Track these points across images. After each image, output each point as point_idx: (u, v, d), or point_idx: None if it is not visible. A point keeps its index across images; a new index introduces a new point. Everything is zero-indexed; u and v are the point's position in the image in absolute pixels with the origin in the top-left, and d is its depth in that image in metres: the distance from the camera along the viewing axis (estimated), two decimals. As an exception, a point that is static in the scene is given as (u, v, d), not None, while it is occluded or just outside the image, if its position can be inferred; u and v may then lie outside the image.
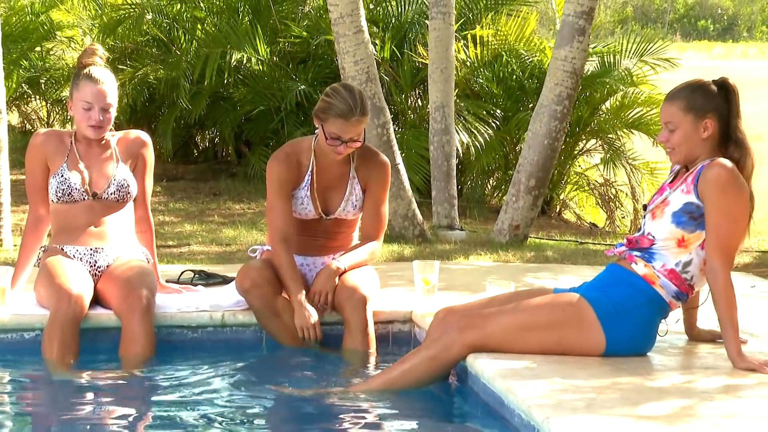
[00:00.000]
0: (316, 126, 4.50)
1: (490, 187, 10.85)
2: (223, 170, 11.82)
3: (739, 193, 3.70)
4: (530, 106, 9.70)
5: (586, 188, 10.79)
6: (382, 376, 3.83)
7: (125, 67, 11.13)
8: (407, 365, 3.80)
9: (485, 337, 3.76)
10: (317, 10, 11.05)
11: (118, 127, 4.84)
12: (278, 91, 10.49)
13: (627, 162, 10.24)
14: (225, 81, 10.78)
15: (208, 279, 5.11)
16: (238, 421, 3.73)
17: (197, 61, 10.54)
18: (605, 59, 10.30)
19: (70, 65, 11.97)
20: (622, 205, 10.61)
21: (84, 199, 4.55)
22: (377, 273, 4.70)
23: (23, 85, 12.56)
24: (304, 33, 10.63)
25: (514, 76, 10.16)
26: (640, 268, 3.80)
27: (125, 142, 4.67)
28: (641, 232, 3.86)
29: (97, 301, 4.51)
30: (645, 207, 3.93)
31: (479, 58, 10.11)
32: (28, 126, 14.15)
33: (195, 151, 12.79)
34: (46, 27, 12.09)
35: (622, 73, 10.11)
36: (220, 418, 3.71)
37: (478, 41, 10.09)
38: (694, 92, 3.78)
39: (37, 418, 3.81)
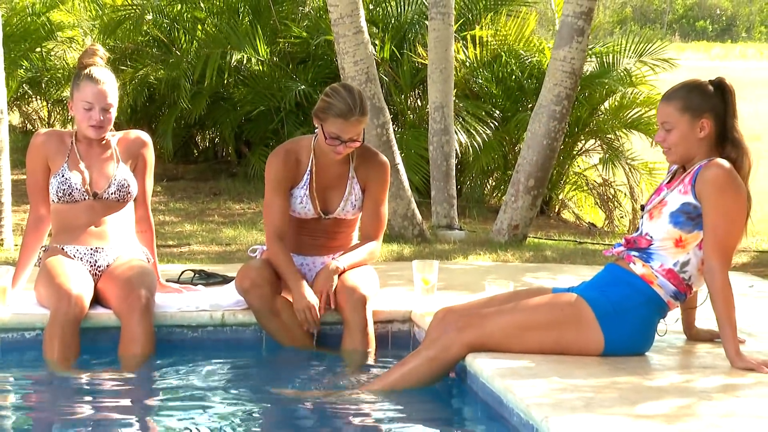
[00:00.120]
0: (316, 126, 4.51)
1: (489, 187, 10.86)
2: (223, 170, 11.83)
3: (737, 193, 3.70)
4: (529, 106, 9.72)
5: (585, 188, 10.80)
6: (383, 378, 3.84)
7: (126, 68, 11.14)
8: (407, 367, 3.80)
9: (484, 337, 3.77)
10: (317, 10, 11.06)
11: (118, 127, 4.84)
12: (278, 91, 10.50)
13: (626, 162, 10.26)
14: (225, 81, 10.79)
15: (208, 279, 5.12)
16: (238, 421, 3.73)
17: (197, 62, 10.55)
18: (604, 59, 10.32)
19: (71, 65, 11.98)
20: (620, 205, 10.63)
21: (84, 199, 4.56)
22: (377, 273, 4.70)
23: (24, 85, 12.57)
24: (304, 33, 10.64)
25: (514, 77, 10.17)
26: (638, 267, 3.81)
27: (125, 142, 4.68)
28: (639, 232, 3.87)
29: (97, 300, 4.52)
30: (643, 207, 3.94)
31: (478, 58, 10.13)
32: (29, 126, 14.15)
33: (195, 151, 12.80)
34: (46, 27, 12.10)
35: (621, 74, 10.12)
36: (219, 418, 3.71)
37: (477, 42, 10.10)
38: (691, 92, 3.79)
39: (38, 417, 3.81)
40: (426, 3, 9.49)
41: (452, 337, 3.78)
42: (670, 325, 3.92)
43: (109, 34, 11.34)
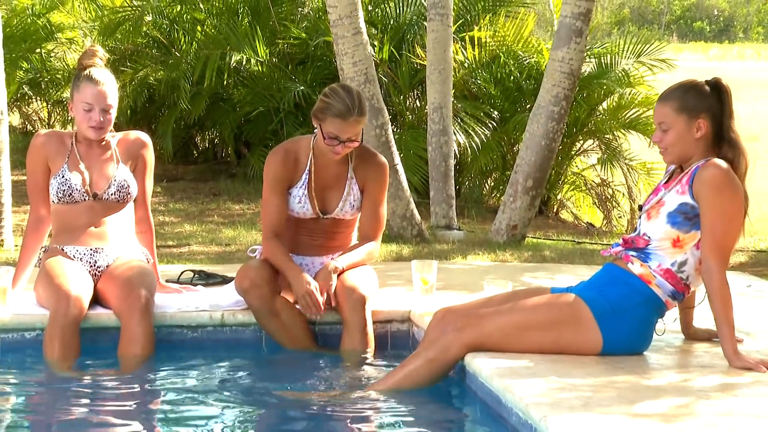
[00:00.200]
0: (315, 126, 4.52)
1: (487, 188, 10.87)
2: (223, 171, 11.84)
3: (734, 193, 3.71)
4: (528, 106, 9.73)
5: (583, 188, 10.81)
6: (385, 381, 3.85)
7: (125, 69, 11.15)
8: (407, 369, 3.81)
9: (482, 337, 3.78)
10: (316, 11, 11.07)
11: (118, 128, 4.85)
12: (277, 92, 10.51)
13: (624, 162, 10.27)
14: (224, 82, 10.80)
15: (208, 279, 5.12)
16: (238, 421, 3.74)
17: (197, 63, 10.56)
18: (602, 60, 10.33)
19: (71, 67, 11.99)
20: (618, 205, 10.64)
21: (84, 199, 4.56)
22: (376, 273, 4.71)
23: (24, 86, 12.57)
24: (303, 34, 10.65)
25: (512, 77, 10.18)
26: (636, 267, 3.82)
27: (125, 143, 4.69)
28: (637, 232, 3.88)
29: (97, 301, 4.53)
30: (641, 207, 3.94)
31: (477, 59, 10.14)
32: (29, 127, 14.15)
33: (195, 151, 12.80)
34: (46, 29, 12.11)
35: (619, 74, 10.14)
36: (219, 417, 3.72)
37: (475, 42, 10.11)
38: (687, 92, 3.80)
39: (37, 418, 3.82)
40: (425, 4, 9.50)
41: (451, 338, 3.79)
42: (669, 324, 3.93)
43: (108, 35, 11.35)
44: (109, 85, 4.55)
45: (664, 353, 3.91)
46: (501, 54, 10.16)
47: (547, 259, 6.67)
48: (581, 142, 10.61)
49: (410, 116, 10.39)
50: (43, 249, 4.66)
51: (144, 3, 11.17)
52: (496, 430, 3.51)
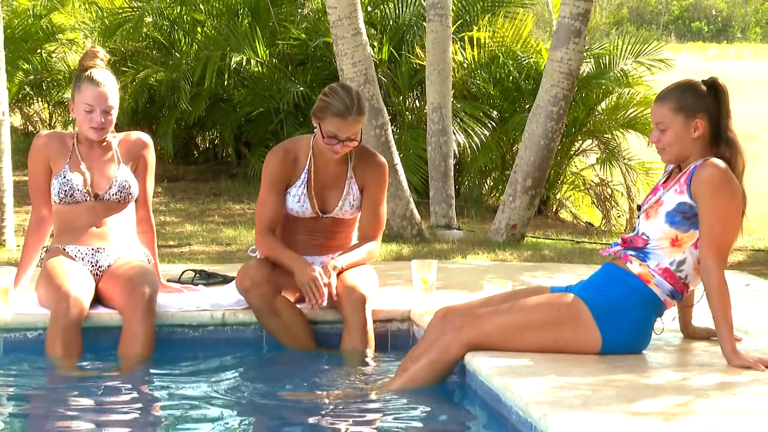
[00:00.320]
0: (314, 125, 4.54)
1: (487, 187, 10.88)
2: (223, 171, 11.85)
3: (732, 192, 3.72)
4: (527, 107, 9.74)
5: (582, 188, 10.83)
6: (388, 385, 3.86)
7: (126, 69, 11.16)
8: (410, 373, 3.82)
9: (481, 336, 3.79)
10: (316, 12, 11.08)
11: (119, 128, 4.86)
12: (277, 92, 10.52)
13: (622, 162, 10.29)
14: (225, 83, 10.80)
15: (209, 278, 5.13)
16: (238, 420, 3.76)
17: (197, 63, 10.57)
18: (601, 60, 10.34)
19: (72, 68, 12.00)
20: (617, 205, 10.65)
21: (86, 200, 4.58)
22: (376, 272, 4.72)
23: (25, 87, 12.58)
24: (303, 35, 10.66)
25: (511, 78, 10.20)
26: (635, 267, 3.83)
27: (126, 144, 4.70)
28: (636, 231, 3.89)
29: (98, 300, 4.54)
30: (639, 207, 3.95)
31: (476, 59, 10.15)
32: (30, 128, 14.15)
33: (195, 152, 12.81)
34: (47, 30, 12.11)
35: (618, 74, 10.15)
36: (220, 416, 3.74)
37: (475, 43, 10.12)
38: (684, 92, 3.80)
39: (39, 416, 3.83)
40: (424, 5, 9.51)
41: (450, 338, 3.80)
42: (667, 323, 3.93)
43: (109, 37, 11.36)
44: (110, 87, 4.56)
45: (663, 352, 3.92)
46: (500, 54, 10.17)
47: (546, 259, 6.68)
48: (580, 141, 10.63)
49: (410, 116, 10.40)
50: (44, 249, 4.67)
51: (144, 4, 11.18)
52: (496, 429, 3.53)
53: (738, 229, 3.78)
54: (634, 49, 10.39)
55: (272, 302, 4.49)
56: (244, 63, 10.47)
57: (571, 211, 10.95)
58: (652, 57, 10.41)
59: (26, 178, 4.88)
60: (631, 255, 3.85)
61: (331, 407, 3.79)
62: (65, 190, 4.56)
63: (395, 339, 4.60)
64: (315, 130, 4.55)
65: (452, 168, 8.19)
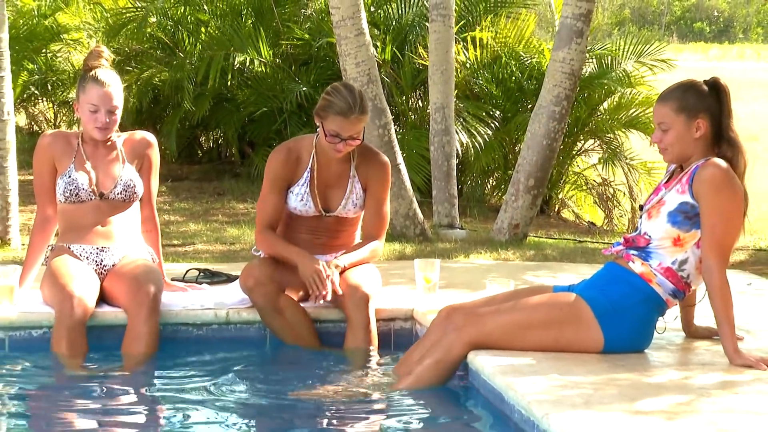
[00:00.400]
0: (317, 124, 4.56)
1: (489, 187, 10.89)
2: (227, 170, 11.86)
3: (734, 192, 3.74)
4: (529, 107, 9.75)
5: (585, 188, 10.83)
6: (395, 387, 3.87)
7: (131, 69, 11.18)
8: (416, 374, 3.83)
9: (483, 335, 3.81)
10: (319, 12, 11.09)
11: (123, 128, 4.87)
12: (281, 92, 10.53)
13: (624, 162, 10.30)
14: (228, 83, 10.81)
15: (213, 277, 5.14)
16: (242, 418, 3.77)
17: (201, 63, 10.57)
18: (603, 60, 10.35)
19: (76, 67, 12.02)
20: (619, 204, 10.66)
21: (91, 199, 4.59)
22: (379, 271, 4.73)
23: (30, 87, 12.60)
24: (307, 35, 10.67)
25: (513, 78, 10.21)
26: (637, 266, 3.84)
27: (131, 143, 4.71)
28: (638, 231, 3.89)
29: (103, 299, 4.55)
30: (641, 207, 3.97)
31: (479, 59, 10.16)
32: (35, 127, 14.17)
33: (199, 151, 12.82)
34: (52, 30, 12.12)
35: (620, 74, 10.16)
36: (223, 415, 3.75)
37: (477, 43, 10.14)
38: (686, 93, 3.82)
39: (44, 414, 3.85)
40: (426, 5, 9.52)
41: (453, 338, 3.81)
42: (669, 322, 3.94)
43: (113, 37, 11.37)
44: (114, 87, 4.57)
45: (665, 351, 3.93)
46: (503, 54, 10.18)
47: (548, 258, 6.69)
48: (582, 141, 10.64)
49: (413, 116, 10.42)
50: (49, 248, 4.69)
51: (148, 4, 11.18)
52: (499, 428, 3.54)
53: (739, 228, 3.78)
54: (636, 49, 10.40)
55: (276, 301, 4.51)
56: (247, 63, 10.49)
57: (573, 211, 10.96)
58: (654, 57, 10.42)
59: (31, 177, 4.90)
60: (633, 254, 3.86)
61: (335, 406, 3.80)
62: (70, 190, 4.57)
63: (398, 338, 4.61)
64: (318, 129, 4.57)
65: (455, 168, 8.20)
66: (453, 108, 8.20)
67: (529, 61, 10.22)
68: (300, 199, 4.62)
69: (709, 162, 3.77)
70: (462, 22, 10.28)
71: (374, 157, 4.70)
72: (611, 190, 10.67)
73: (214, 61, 10.36)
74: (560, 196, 10.89)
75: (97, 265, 4.58)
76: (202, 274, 5.17)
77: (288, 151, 4.64)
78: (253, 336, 4.60)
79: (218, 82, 10.44)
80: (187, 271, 5.18)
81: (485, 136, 9.85)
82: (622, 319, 3.80)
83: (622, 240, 3.94)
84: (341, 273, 4.53)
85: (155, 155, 4.75)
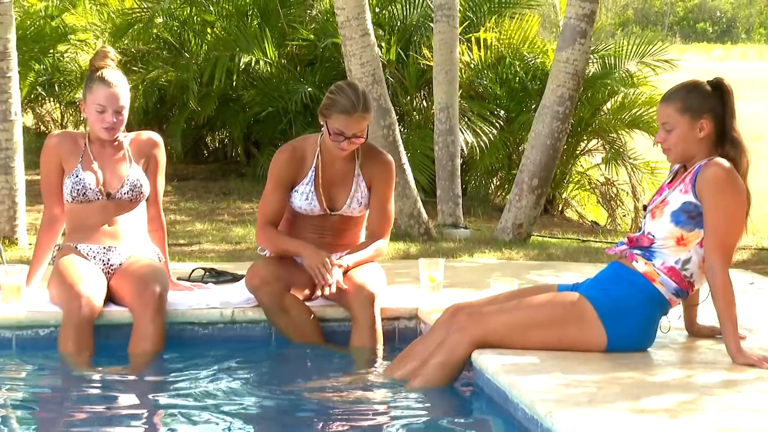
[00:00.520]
0: (321, 123, 4.57)
1: (493, 187, 10.91)
2: (233, 170, 11.87)
3: (736, 192, 3.74)
4: (533, 107, 9.77)
5: (588, 187, 10.85)
6: (404, 387, 3.89)
7: (137, 69, 11.20)
8: (423, 375, 3.84)
9: (486, 334, 3.81)
10: (324, 13, 11.11)
11: (130, 128, 4.89)
12: (286, 93, 10.55)
13: (628, 161, 10.32)
14: (234, 83, 10.83)
15: (218, 277, 5.15)
16: (247, 417, 3.78)
17: (207, 64, 10.59)
18: (606, 61, 10.38)
19: (83, 68, 12.04)
20: (623, 204, 10.67)
21: (98, 198, 4.61)
22: (384, 270, 4.74)
23: (37, 87, 12.63)
24: (312, 36, 10.69)
25: (517, 78, 10.23)
26: (640, 266, 3.85)
27: (137, 143, 4.73)
28: (641, 231, 3.90)
29: (110, 298, 4.56)
30: (645, 207, 3.97)
31: (483, 60, 10.18)
32: (42, 127, 14.19)
33: (205, 151, 12.84)
34: (59, 30, 12.14)
35: (623, 75, 10.18)
36: (229, 414, 3.75)
37: (481, 44, 10.15)
38: (690, 93, 3.83)
39: (50, 412, 3.86)
40: (431, 6, 9.54)
41: (456, 337, 3.83)
42: (673, 321, 3.95)
43: (119, 37, 11.40)
44: (121, 87, 4.58)
45: (668, 350, 3.93)
46: (507, 55, 10.20)
47: (552, 257, 6.70)
48: (586, 141, 10.65)
49: (417, 116, 10.44)
50: (56, 247, 4.70)
51: (154, 5, 11.21)
52: (503, 426, 3.55)
53: (742, 228, 3.79)
54: (639, 49, 10.42)
55: (281, 300, 4.52)
56: (253, 63, 10.51)
57: (576, 211, 10.98)
58: (657, 57, 10.44)
59: (38, 177, 4.92)
60: (636, 254, 3.87)
61: (340, 405, 3.81)
62: (78, 189, 4.59)
63: (403, 336, 4.62)
64: (322, 128, 4.59)
65: (459, 167, 8.22)
66: (457, 108, 8.22)
67: (533, 61, 10.24)
68: (305, 198, 4.64)
69: (712, 162, 3.78)
70: (466, 23, 10.30)
71: (378, 155, 4.72)
72: (614, 190, 10.68)
73: (219, 61, 10.38)
74: (564, 196, 10.91)
75: (104, 264, 4.60)
76: (207, 273, 5.18)
77: (293, 150, 4.66)
78: (258, 335, 4.61)
79: (224, 82, 10.46)
80: (193, 271, 5.20)
81: (489, 136, 9.88)
82: (625, 319, 3.81)
83: (625, 240, 3.94)
84: (345, 272, 4.54)
85: (161, 155, 4.77)
